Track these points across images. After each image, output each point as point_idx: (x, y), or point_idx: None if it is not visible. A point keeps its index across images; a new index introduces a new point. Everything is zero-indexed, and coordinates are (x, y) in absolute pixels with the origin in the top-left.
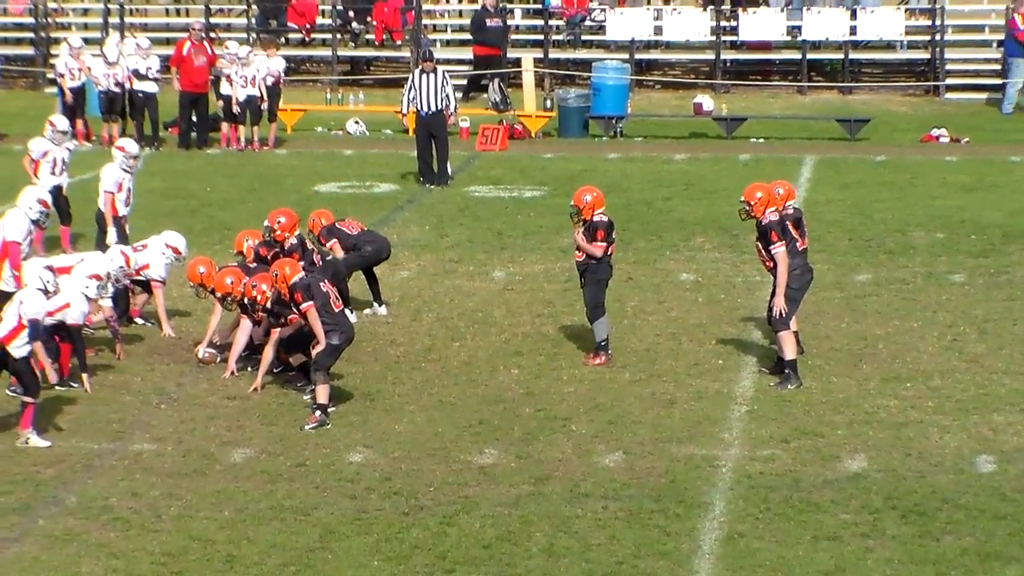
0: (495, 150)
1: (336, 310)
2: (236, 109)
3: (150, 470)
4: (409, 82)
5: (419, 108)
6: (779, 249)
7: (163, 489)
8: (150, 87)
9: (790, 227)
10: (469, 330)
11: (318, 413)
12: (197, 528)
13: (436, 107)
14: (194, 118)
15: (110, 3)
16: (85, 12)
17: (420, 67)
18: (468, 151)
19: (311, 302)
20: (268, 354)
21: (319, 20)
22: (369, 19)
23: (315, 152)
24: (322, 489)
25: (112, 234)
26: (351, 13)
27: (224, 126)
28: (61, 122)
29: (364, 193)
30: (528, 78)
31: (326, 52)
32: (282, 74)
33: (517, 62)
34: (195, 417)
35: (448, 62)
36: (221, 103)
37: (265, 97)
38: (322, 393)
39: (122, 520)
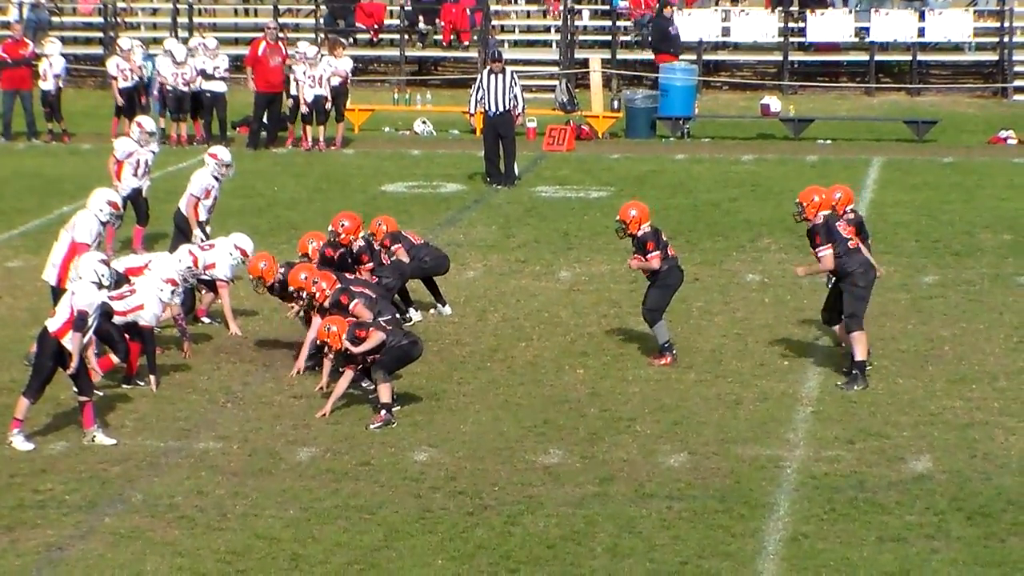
0: (562, 150)
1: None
2: (304, 109)
3: (216, 468)
4: (477, 82)
5: (487, 108)
6: (825, 252)
7: (229, 487)
8: (218, 87)
9: (843, 230)
10: (535, 330)
11: (383, 412)
12: (262, 526)
13: (504, 107)
14: (265, 119)
15: (179, 3)
16: (154, 12)
17: (488, 67)
18: (535, 151)
19: (356, 300)
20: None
21: (387, 20)
22: (437, 19)
23: (382, 152)
24: (387, 488)
25: (198, 236)
26: (419, 14)
27: (291, 125)
28: (148, 123)
29: (431, 193)
30: (596, 79)
31: (394, 52)
32: (349, 74)
33: (585, 63)
34: (261, 416)
35: (515, 63)
36: (291, 102)
37: (332, 97)
38: (384, 392)
39: (187, 518)
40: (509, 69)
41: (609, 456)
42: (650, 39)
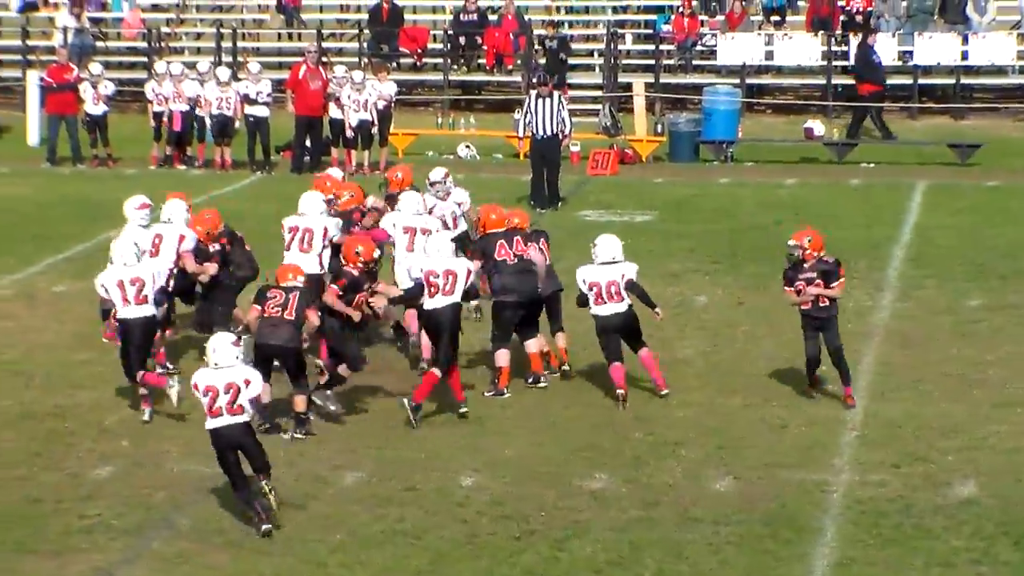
0: (606, 174)
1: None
2: (349, 133)
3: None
4: (525, 106)
5: (534, 132)
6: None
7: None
8: (261, 111)
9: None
10: (579, 354)
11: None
12: (308, 551)
13: (551, 131)
14: (308, 142)
15: (223, 27)
16: (198, 36)
17: (536, 91)
18: (579, 175)
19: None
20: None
21: (430, 44)
22: (480, 43)
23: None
24: (433, 513)
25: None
26: (462, 38)
27: (335, 150)
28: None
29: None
30: (639, 103)
31: (437, 76)
32: (393, 98)
33: (628, 87)
34: (307, 440)
35: (558, 87)
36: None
37: (376, 121)
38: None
39: (234, 543)
40: (556, 93)
41: (655, 480)
42: (853, 66)
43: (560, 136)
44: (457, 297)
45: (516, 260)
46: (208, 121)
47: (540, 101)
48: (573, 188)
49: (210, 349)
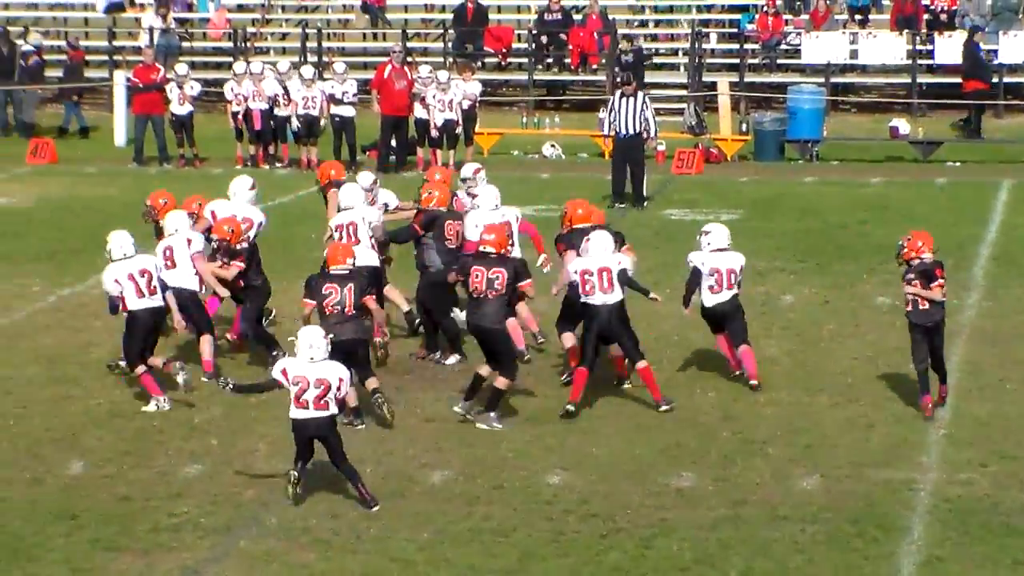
0: (691, 173)
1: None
2: (434, 133)
3: (350, 492)
4: (609, 105)
5: (617, 131)
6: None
7: (362, 510)
8: (347, 111)
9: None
10: (666, 353)
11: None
12: (396, 549)
13: (634, 130)
14: (393, 142)
15: (308, 27)
16: (283, 37)
17: (620, 90)
18: (664, 174)
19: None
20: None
21: (515, 44)
22: (565, 42)
23: (511, 176)
24: (520, 511)
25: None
26: (546, 37)
27: (420, 150)
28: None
29: (552, 216)
30: (724, 102)
31: (522, 76)
32: (478, 98)
33: (712, 86)
34: (394, 439)
35: (646, 86)
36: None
37: (461, 121)
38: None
39: (322, 541)
40: (641, 93)
41: (742, 479)
42: (961, 64)
43: (644, 136)
44: (618, 294)
45: None
46: (294, 121)
47: (623, 100)
48: (658, 187)
49: (305, 342)
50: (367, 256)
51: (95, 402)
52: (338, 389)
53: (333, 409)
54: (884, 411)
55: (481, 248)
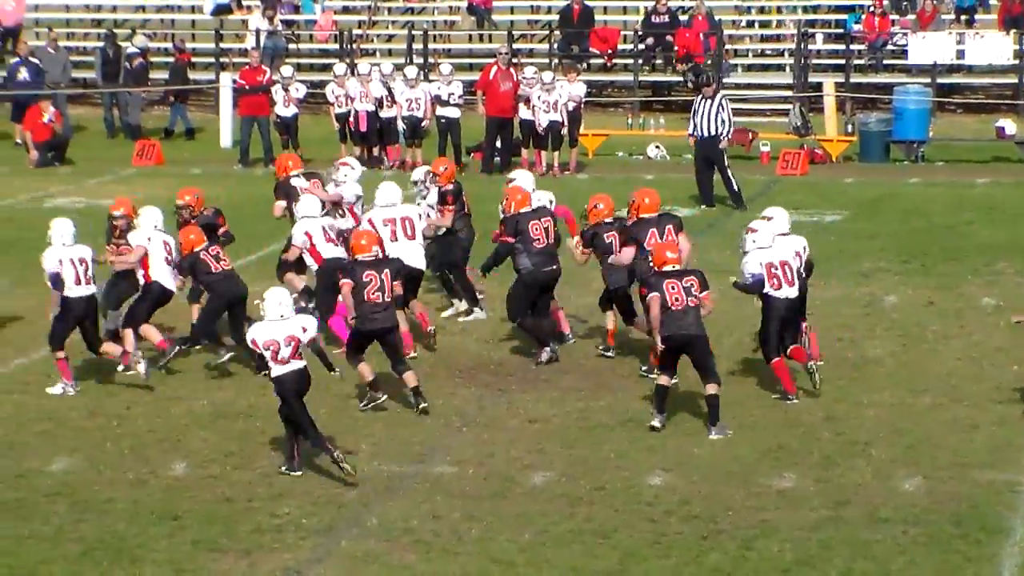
0: (796, 175)
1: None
2: (540, 132)
3: (451, 492)
4: (693, 107)
5: (698, 133)
6: None
7: (464, 511)
8: (452, 112)
9: None
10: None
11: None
12: (498, 550)
13: (711, 132)
14: (498, 143)
15: (414, 29)
16: (389, 38)
17: (701, 92)
18: (769, 175)
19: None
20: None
21: (621, 45)
22: (671, 44)
23: (616, 177)
24: (621, 512)
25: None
26: (652, 38)
27: (525, 151)
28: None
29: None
30: (829, 102)
31: (628, 77)
32: (583, 99)
33: (818, 86)
34: (496, 440)
35: (750, 86)
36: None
37: (566, 122)
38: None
39: (423, 542)
40: (719, 94)
41: (844, 480)
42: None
43: (720, 137)
44: (797, 287)
45: None
46: (399, 122)
47: (703, 102)
48: (762, 188)
49: (274, 301)
50: (417, 256)
51: (199, 403)
52: (306, 335)
53: (304, 360)
54: (988, 412)
55: (665, 268)
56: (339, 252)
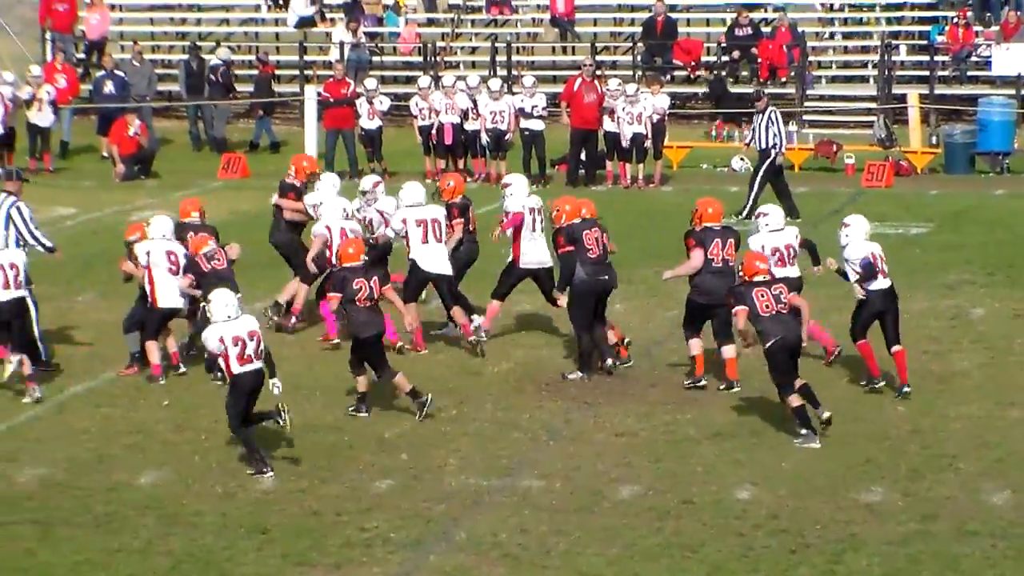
0: (881, 186)
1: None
2: (625, 144)
3: (538, 506)
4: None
5: (755, 145)
6: None
7: (551, 525)
8: (536, 125)
9: None
10: (853, 367)
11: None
12: (585, 564)
13: (764, 145)
14: (583, 156)
15: (497, 41)
16: (473, 51)
17: (756, 106)
18: (853, 187)
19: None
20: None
21: (704, 57)
22: (755, 55)
23: (700, 189)
24: (709, 526)
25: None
26: (736, 51)
27: (610, 163)
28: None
29: (743, 231)
30: (913, 114)
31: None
32: (667, 111)
33: (902, 98)
34: (583, 454)
35: (834, 98)
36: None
37: (650, 134)
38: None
39: (511, 556)
40: (771, 108)
41: (932, 494)
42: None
43: (772, 151)
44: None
45: (722, 263)
46: (483, 135)
47: (758, 116)
48: (847, 200)
49: (220, 303)
50: (443, 260)
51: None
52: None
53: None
54: None
55: (755, 279)
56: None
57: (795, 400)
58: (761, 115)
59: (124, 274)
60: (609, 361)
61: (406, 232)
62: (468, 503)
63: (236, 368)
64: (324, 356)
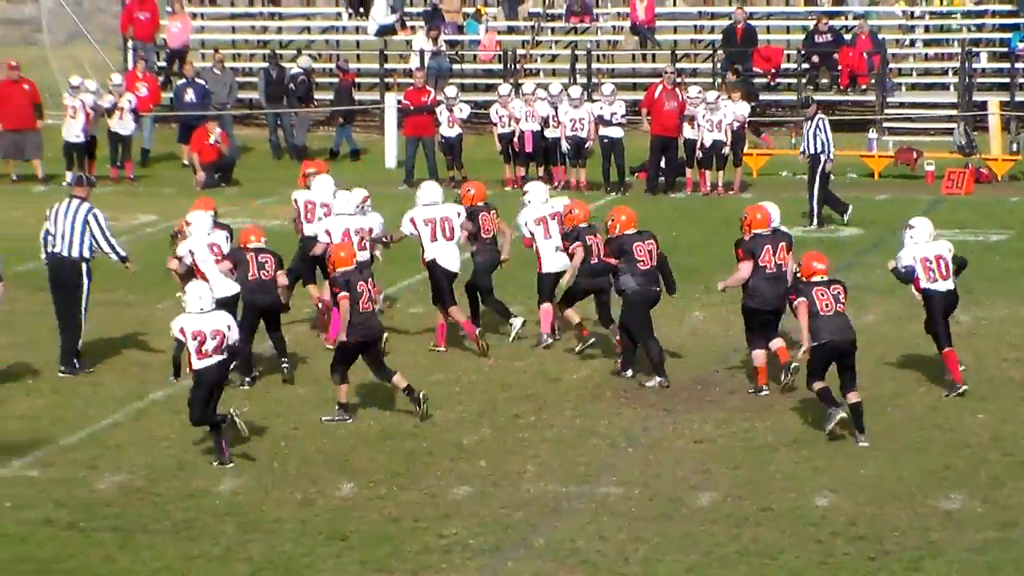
0: (960, 194)
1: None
2: (698, 154)
3: (616, 513)
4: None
5: (806, 152)
6: None
7: (630, 532)
8: (615, 132)
9: None
10: (935, 374)
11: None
12: (664, 571)
13: (812, 151)
14: (662, 163)
15: (577, 49)
16: (553, 59)
17: (804, 113)
18: (933, 195)
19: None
20: None
21: (784, 64)
22: (836, 62)
23: (779, 196)
24: (788, 533)
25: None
26: (816, 57)
27: (689, 171)
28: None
29: (828, 237)
30: (994, 121)
31: (791, 96)
32: (747, 118)
33: (983, 105)
34: (661, 460)
35: (914, 105)
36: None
37: (730, 142)
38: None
39: (589, 563)
40: (819, 115)
41: (1012, 501)
42: None
43: (820, 156)
44: (952, 281)
45: (775, 268)
46: (563, 143)
47: (806, 123)
48: (927, 207)
49: (195, 295)
50: (453, 258)
51: (365, 423)
52: (230, 333)
53: (226, 354)
54: None
55: (813, 279)
56: (363, 255)
57: (818, 384)
58: (810, 122)
59: (172, 274)
60: (629, 372)
61: (417, 233)
62: (546, 510)
63: (196, 363)
64: (401, 363)
